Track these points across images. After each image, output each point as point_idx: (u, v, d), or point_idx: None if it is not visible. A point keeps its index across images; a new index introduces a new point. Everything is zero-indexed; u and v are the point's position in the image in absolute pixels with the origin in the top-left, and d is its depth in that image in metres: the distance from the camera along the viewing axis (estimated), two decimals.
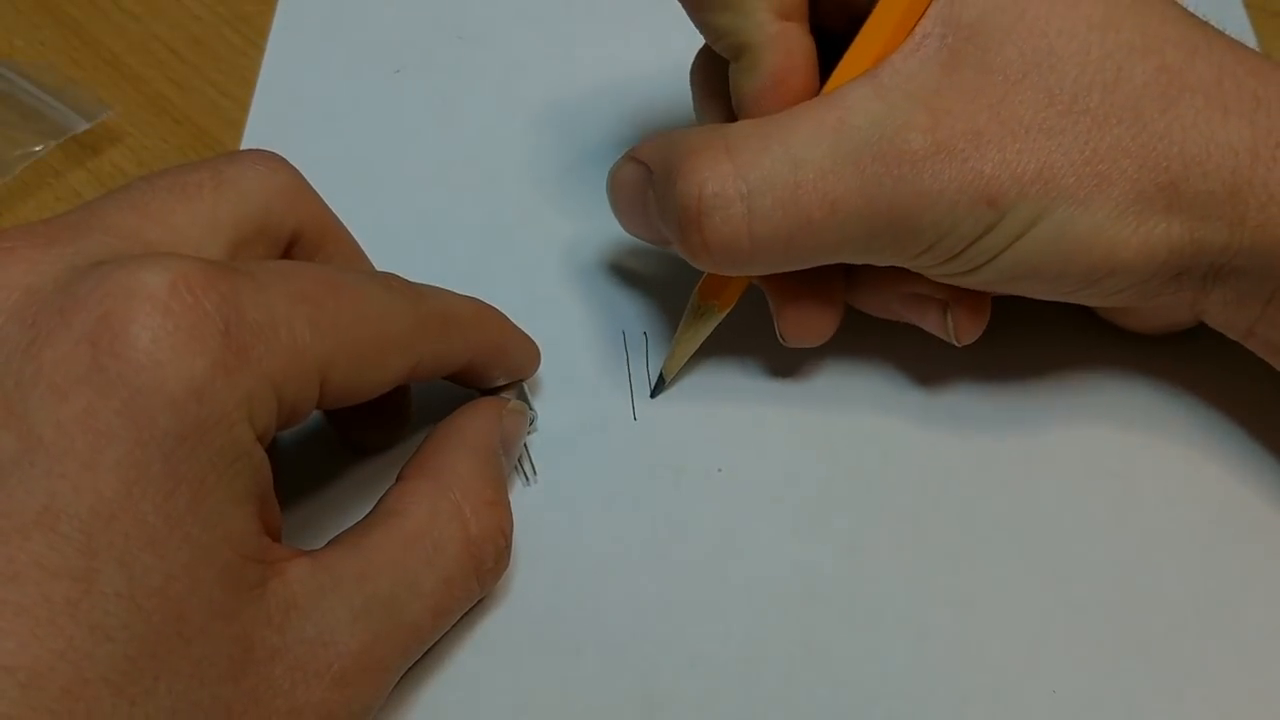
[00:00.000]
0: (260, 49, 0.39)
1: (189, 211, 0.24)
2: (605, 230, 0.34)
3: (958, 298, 0.29)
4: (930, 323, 0.30)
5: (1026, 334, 0.32)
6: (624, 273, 0.34)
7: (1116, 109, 0.25)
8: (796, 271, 0.29)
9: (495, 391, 0.29)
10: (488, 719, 0.26)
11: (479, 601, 0.27)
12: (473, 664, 0.27)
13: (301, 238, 0.26)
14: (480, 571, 0.25)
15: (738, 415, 0.31)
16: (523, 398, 0.30)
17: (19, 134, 0.36)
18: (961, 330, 0.29)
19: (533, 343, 0.30)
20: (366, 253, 0.29)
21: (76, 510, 0.19)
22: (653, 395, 0.31)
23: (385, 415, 0.30)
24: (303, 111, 0.37)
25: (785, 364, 0.32)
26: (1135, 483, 0.30)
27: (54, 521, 0.19)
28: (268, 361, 0.21)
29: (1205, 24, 0.27)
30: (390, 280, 0.26)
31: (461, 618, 0.27)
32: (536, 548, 0.28)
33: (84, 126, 0.36)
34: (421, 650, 0.25)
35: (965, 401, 0.31)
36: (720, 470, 0.30)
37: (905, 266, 0.27)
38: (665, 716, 0.26)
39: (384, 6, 0.40)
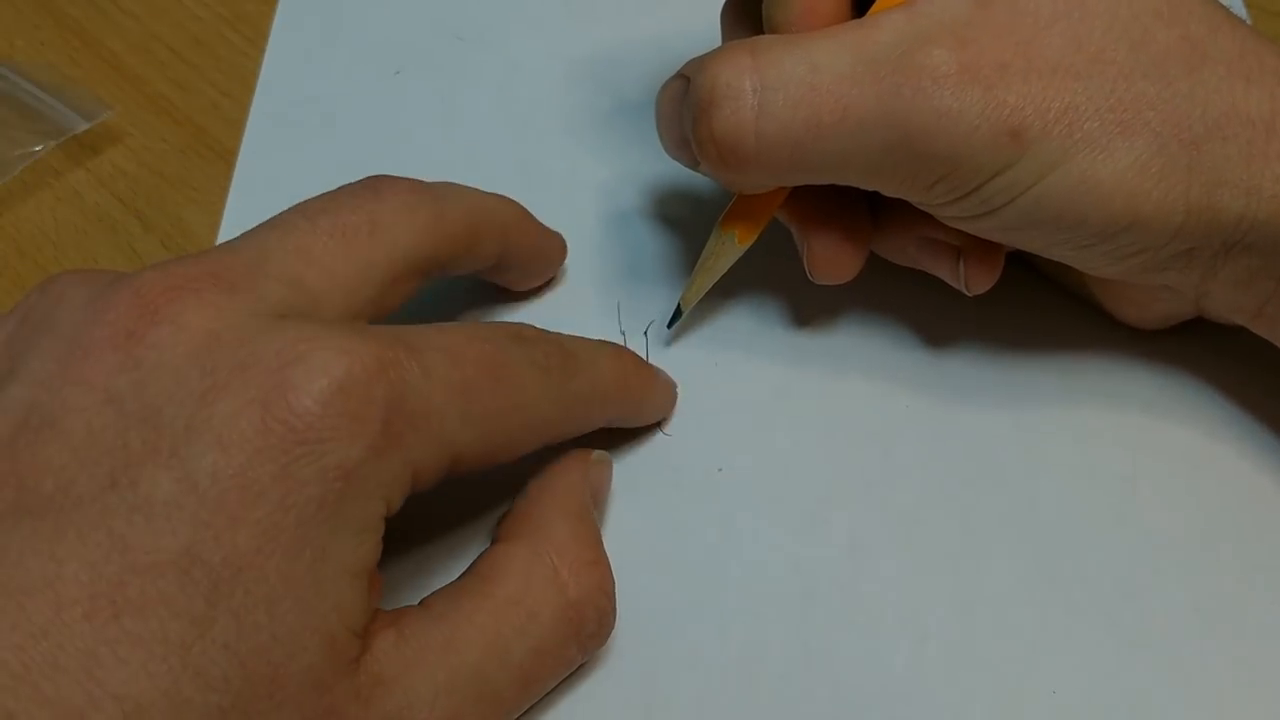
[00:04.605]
0: (260, 49, 0.39)
1: (348, 259, 0.25)
2: (604, 230, 0.34)
3: (972, 244, 0.29)
4: (943, 269, 0.30)
5: (1027, 334, 0.32)
6: (624, 272, 0.34)
7: (1142, 65, 0.25)
8: (822, 204, 0.29)
9: None
10: None
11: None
12: None
13: (446, 263, 0.27)
14: (581, 637, 0.25)
15: (738, 415, 0.31)
16: None
17: (19, 134, 0.36)
18: (972, 279, 0.29)
19: (670, 384, 0.30)
20: None
21: (211, 559, 0.19)
22: (669, 326, 0.32)
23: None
24: (303, 111, 0.37)
25: (786, 363, 0.32)
26: (1137, 483, 0.30)
27: (189, 565, 0.19)
28: (415, 450, 0.22)
29: (1226, 8, 0.27)
30: (549, 358, 0.25)
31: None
32: None
33: (84, 126, 0.36)
34: None
35: (966, 401, 0.31)
36: (720, 470, 0.30)
37: (918, 202, 0.27)
38: (665, 716, 0.26)
39: (384, 7, 0.40)
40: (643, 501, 0.29)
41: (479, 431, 0.23)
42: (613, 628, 0.26)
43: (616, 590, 0.26)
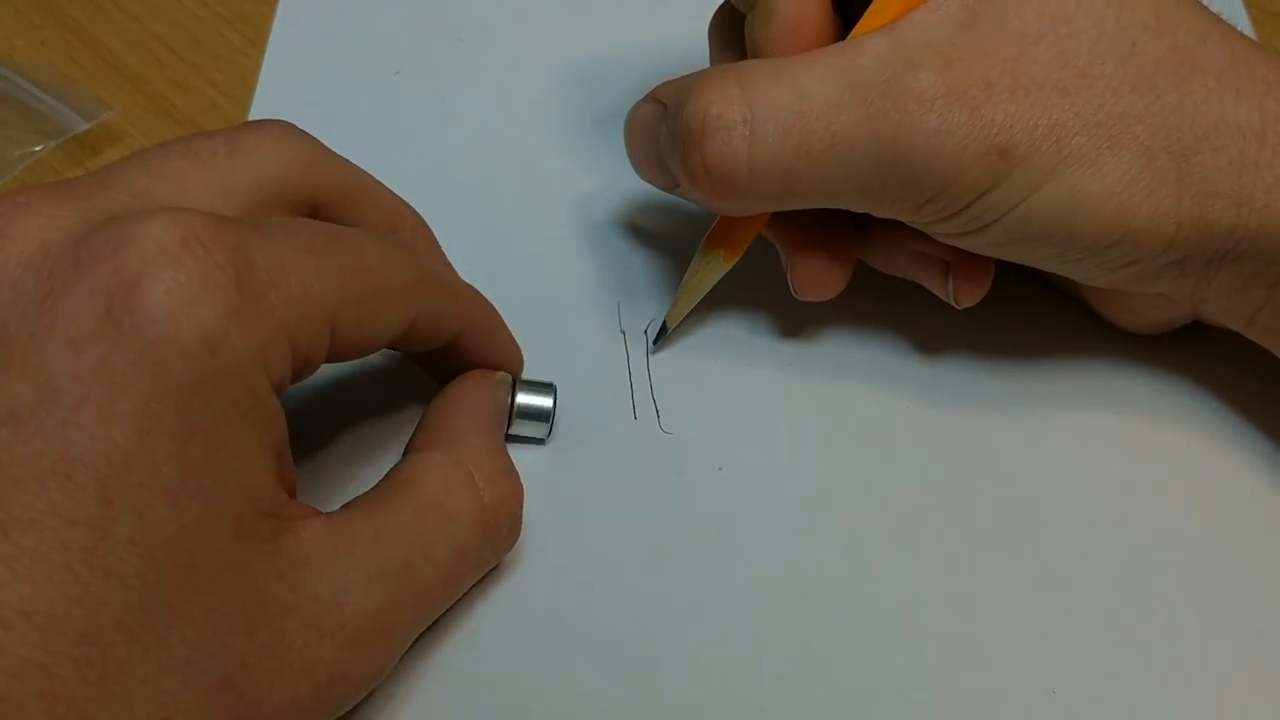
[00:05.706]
0: (260, 49, 0.39)
1: (202, 176, 0.24)
2: (605, 230, 0.34)
3: (961, 260, 0.29)
4: (932, 283, 0.30)
5: (1026, 334, 0.32)
6: (624, 273, 0.34)
7: (1130, 79, 0.25)
8: (807, 223, 0.29)
9: None
10: (487, 718, 0.26)
11: (482, 603, 0.27)
12: (473, 663, 0.27)
13: (321, 205, 0.26)
14: (495, 540, 0.26)
15: (738, 414, 0.31)
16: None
17: (19, 134, 0.36)
18: (961, 293, 0.29)
19: (517, 344, 0.30)
20: None
21: (92, 459, 0.19)
22: (655, 343, 0.32)
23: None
24: (303, 111, 0.37)
25: (786, 363, 0.32)
26: (1136, 484, 0.30)
27: (70, 470, 0.19)
28: (281, 311, 0.21)
29: (1217, 15, 0.27)
30: (388, 237, 0.26)
31: (461, 609, 0.27)
32: (537, 546, 0.28)
33: (84, 126, 0.36)
34: (433, 617, 0.26)
35: (965, 401, 0.31)
36: (720, 469, 0.30)
37: (909, 221, 0.27)
38: (665, 716, 0.26)
39: (384, 7, 0.40)
40: (643, 501, 0.29)
41: (342, 291, 0.23)
42: (519, 534, 0.27)
43: (618, 586, 0.26)
